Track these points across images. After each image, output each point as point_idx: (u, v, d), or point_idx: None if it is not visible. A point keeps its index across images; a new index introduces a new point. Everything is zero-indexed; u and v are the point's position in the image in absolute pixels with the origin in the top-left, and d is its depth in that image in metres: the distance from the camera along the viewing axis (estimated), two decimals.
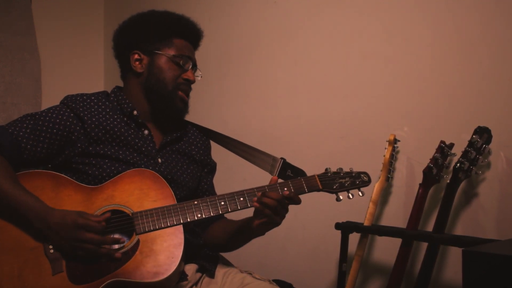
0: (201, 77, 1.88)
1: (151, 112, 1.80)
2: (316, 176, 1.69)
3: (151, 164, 1.72)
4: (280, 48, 2.69)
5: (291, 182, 1.66)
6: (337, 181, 1.68)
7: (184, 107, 1.81)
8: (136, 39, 1.81)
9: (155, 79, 1.77)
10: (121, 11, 3.64)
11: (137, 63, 1.80)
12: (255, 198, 1.59)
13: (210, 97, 3.00)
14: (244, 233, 1.71)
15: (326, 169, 1.71)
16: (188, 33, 1.84)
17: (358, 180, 1.71)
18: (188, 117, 1.95)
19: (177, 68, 1.78)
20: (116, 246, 1.56)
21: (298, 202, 1.62)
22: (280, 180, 1.72)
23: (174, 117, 1.83)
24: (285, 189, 1.63)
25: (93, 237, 1.49)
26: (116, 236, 1.55)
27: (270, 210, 1.57)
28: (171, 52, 1.78)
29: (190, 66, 1.81)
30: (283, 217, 1.62)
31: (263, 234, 1.68)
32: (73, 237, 1.49)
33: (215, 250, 1.83)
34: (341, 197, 1.67)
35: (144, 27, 1.82)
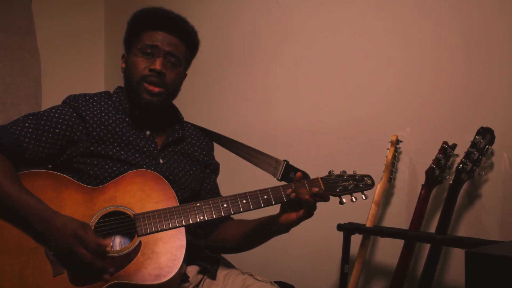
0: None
1: (134, 106, 1.77)
2: (320, 179, 1.67)
3: (152, 165, 1.71)
4: (282, 48, 2.69)
5: (295, 184, 1.65)
6: (340, 184, 1.67)
7: (151, 99, 1.72)
8: (125, 41, 1.83)
9: (127, 76, 1.77)
10: (121, 11, 3.64)
11: (123, 64, 1.82)
12: (289, 191, 1.58)
13: (211, 98, 2.99)
14: (265, 230, 1.69)
15: (330, 172, 1.70)
16: (160, 23, 1.75)
17: (361, 183, 1.69)
18: (189, 118, 1.94)
19: (144, 59, 1.73)
20: (118, 247, 1.55)
21: (327, 199, 1.60)
22: (283, 183, 1.71)
23: (148, 111, 1.76)
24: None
25: (84, 254, 1.45)
26: (105, 263, 1.51)
27: (307, 204, 1.56)
28: (138, 45, 1.75)
29: (159, 56, 1.72)
30: (312, 213, 1.60)
31: (287, 231, 1.64)
32: (68, 246, 1.46)
33: (225, 251, 1.82)
34: (344, 200, 1.66)
35: (126, 28, 1.82)
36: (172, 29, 1.76)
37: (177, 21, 1.79)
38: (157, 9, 1.80)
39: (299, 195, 1.56)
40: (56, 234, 1.48)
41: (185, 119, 1.91)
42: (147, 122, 1.78)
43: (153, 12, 1.79)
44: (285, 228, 1.63)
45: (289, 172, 1.84)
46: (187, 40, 1.81)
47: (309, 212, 1.58)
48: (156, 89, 1.72)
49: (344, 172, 1.71)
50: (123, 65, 1.82)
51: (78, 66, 3.60)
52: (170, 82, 1.75)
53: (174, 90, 1.79)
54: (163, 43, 1.74)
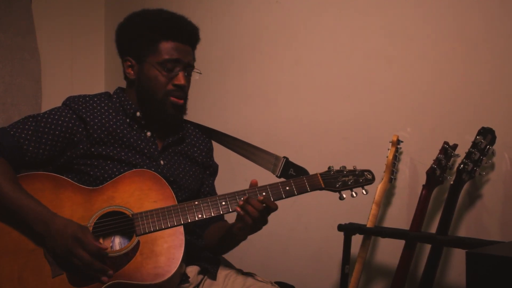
0: (200, 73, 1.81)
1: (150, 115, 1.78)
2: (319, 175, 1.67)
3: (153, 166, 1.71)
4: (282, 48, 2.68)
5: (293, 181, 1.65)
6: (340, 180, 1.67)
7: (176, 112, 1.74)
8: (127, 45, 1.78)
9: (145, 88, 1.74)
10: (121, 11, 3.62)
11: (129, 69, 1.77)
12: (241, 202, 1.59)
13: (212, 97, 2.98)
14: (229, 238, 1.72)
15: (329, 168, 1.70)
16: (176, 33, 1.73)
17: (361, 178, 1.70)
18: (190, 117, 1.94)
19: (166, 74, 1.71)
20: (117, 247, 1.55)
21: (274, 208, 1.60)
22: (282, 179, 1.71)
23: (169, 122, 1.78)
24: (263, 193, 1.62)
25: (84, 256, 1.46)
26: (105, 266, 1.50)
27: (251, 218, 1.58)
28: (157, 59, 1.70)
29: (180, 69, 1.72)
30: (264, 223, 1.62)
31: (244, 239, 1.69)
32: (67, 248, 1.47)
33: (212, 252, 1.82)
34: (344, 196, 1.65)
35: (134, 32, 1.76)
36: (187, 38, 1.76)
37: (191, 30, 1.79)
38: (171, 17, 1.77)
39: (242, 210, 1.58)
40: (56, 235, 1.48)
41: (186, 117, 1.90)
42: (148, 123, 1.77)
43: (169, 21, 1.75)
44: (240, 237, 1.68)
45: (288, 169, 1.83)
46: (195, 46, 1.82)
47: (253, 225, 1.60)
48: (181, 102, 1.74)
49: (344, 167, 1.70)
50: (130, 71, 1.76)
51: (78, 66, 3.60)
52: (187, 90, 1.78)
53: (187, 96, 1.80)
54: (183, 56, 1.73)
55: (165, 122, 1.78)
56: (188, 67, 1.76)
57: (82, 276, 1.48)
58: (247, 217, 1.58)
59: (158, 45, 1.71)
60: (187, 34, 1.76)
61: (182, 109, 1.76)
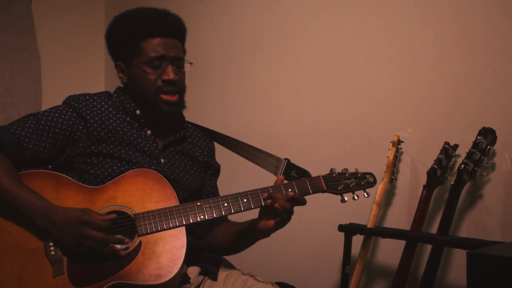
0: (191, 64, 1.79)
1: (148, 114, 1.77)
2: (321, 177, 1.67)
3: (153, 164, 1.71)
4: (283, 48, 2.68)
5: (296, 183, 1.64)
6: (342, 182, 1.66)
7: (170, 109, 1.73)
8: (114, 50, 1.79)
9: (138, 89, 1.74)
10: (121, 11, 3.63)
11: (121, 74, 1.78)
12: (265, 195, 1.57)
13: (212, 98, 2.99)
14: (248, 235, 1.69)
15: (331, 170, 1.69)
16: (156, 29, 1.71)
17: (363, 181, 1.69)
18: (190, 118, 1.94)
19: (153, 71, 1.70)
20: (119, 247, 1.55)
21: (303, 203, 1.59)
22: (284, 181, 1.71)
23: (166, 120, 1.78)
24: (289, 190, 1.61)
25: (96, 235, 1.48)
26: (119, 236, 1.53)
27: (284, 210, 1.55)
28: (143, 58, 1.70)
29: (167, 64, 1.71)
30: (289, 218, 1.60)
31: (268, 235, 1.65)
32: (77, 234, 1.47)
33: (219, 253, 1.81)
34: (346, 198, 1.65)
35: (117, 37, 1.76)
36: (170, 32, 1.74)
37: (173, 22, 1.77)
38: (150, 13, 1.76)
39: (274, 202, 1.55)
40: (61, 226, 1.48)
41: (186, 119, 1.90)
42: (148, 121, 1.77)
43: (148, 18, 1.75)
44: (265, 234, 1.63)
45: (290, 170, 1.83)
46: (181, 37, 1.80)
47: (287, 217, 1.58)
48: (174, 98, 1.72)
49: (346, 170, 1.70)
50: (122, 76, 1.78)
51: (78, 66, 3.60)
52: (181, 84, 1.76)
53: (184, 89, 1.79)
54: (168, 50, 1.72)
55: (163, 120, 1.77)
56: (176, 61, 1.74)
57: (98, 259, 1.49)
58: (281, 210, 1.55)
59: (141, 45, 1.71)
60: (168, 27, 1.74)
61: (176, 104, 1.74)
